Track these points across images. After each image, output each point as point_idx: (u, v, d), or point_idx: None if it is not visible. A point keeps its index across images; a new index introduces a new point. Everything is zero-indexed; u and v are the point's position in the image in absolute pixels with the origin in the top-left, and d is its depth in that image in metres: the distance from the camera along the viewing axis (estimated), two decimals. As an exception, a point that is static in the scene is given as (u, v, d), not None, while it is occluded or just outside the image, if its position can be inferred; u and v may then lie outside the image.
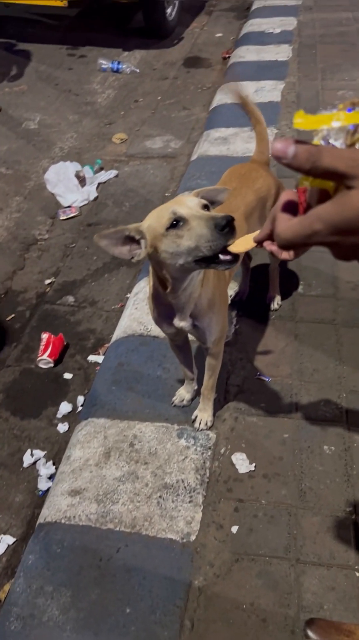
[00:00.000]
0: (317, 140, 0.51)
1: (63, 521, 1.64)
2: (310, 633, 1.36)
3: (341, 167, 0.46)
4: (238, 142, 3.47)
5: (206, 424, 1.85)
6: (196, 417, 1.86)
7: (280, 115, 3.67)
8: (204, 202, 1.27)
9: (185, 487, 1.70)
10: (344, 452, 1.77)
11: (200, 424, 1.85)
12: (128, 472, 1.74)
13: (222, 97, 4.02)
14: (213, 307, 1.55)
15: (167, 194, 3.24)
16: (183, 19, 5.75)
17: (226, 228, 1.14)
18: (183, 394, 1.93)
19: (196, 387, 1.94)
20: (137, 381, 2.02)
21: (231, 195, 1.74)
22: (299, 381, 2.01)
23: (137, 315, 2.29)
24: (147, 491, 1.69)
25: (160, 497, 1.68)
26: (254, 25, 5.29)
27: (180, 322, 1.54)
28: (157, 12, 5.16)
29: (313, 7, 5.58)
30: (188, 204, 1.25)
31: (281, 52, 4.64)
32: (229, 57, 4.88)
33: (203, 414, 1.85)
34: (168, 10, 5.32)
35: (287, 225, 0.53)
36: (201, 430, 1.85)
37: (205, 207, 1.26)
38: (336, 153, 0.47)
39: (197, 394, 1.95)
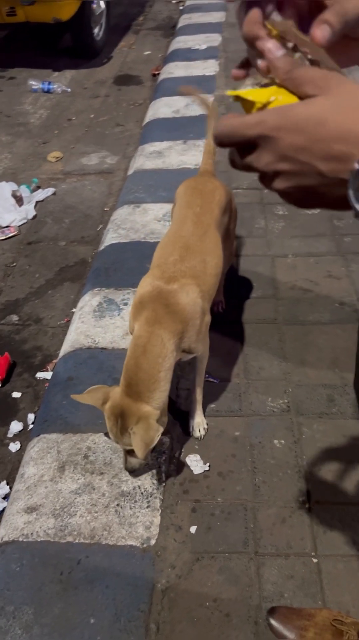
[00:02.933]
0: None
1: (21, 539, 1.61)
2: (273, 621, 1.39)
3: (316, 76, 0.51)
4: (173, 155, 3.54)
5: (205, 429, 1.88)
6: (193, 426, 1.87)
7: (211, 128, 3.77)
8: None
9: (142, 493, 1.71)
10: (294, 444, 1.83)
11: (200, 430, 1.87)
12: (84, 484, 1.74)
13: (154, 112, 4.10)
14: (193, 340, 1.64)
15: (105, 209, 3.27)
16: (110, 39, 5.83)
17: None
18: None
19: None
20: (87, 393, 2.02)
21: (201, 213, 1.81)
22: (246, 380, 2.06)
23: (83, 328, 2.30)
24: (104, 501, 1.69)
25: (117, 505, 1.68)
26: (180, 42, 5.42)
27: None
28: (84, 33, 5.22)
29: (236, 24, 5.75)
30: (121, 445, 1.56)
31: (209, 67, 4.77)
32: (158, 73, 4.98)
33: (199, 419, 1.88)
34: (95, 31, 5.39)
35: (233, 116, 0.55)
36: (203, 436, 1.87)
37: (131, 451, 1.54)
38: (312, 69, 0.53)
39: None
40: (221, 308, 2.35)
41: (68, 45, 5.45)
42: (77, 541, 1.60)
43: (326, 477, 1.73)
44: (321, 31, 0.54)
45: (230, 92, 0.57)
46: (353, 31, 0.58)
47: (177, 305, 1.56)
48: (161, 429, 1.48)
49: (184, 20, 6.02)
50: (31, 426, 2.11)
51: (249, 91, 0.56)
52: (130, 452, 1.57)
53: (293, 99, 0.53)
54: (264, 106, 0.54)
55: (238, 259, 2.63)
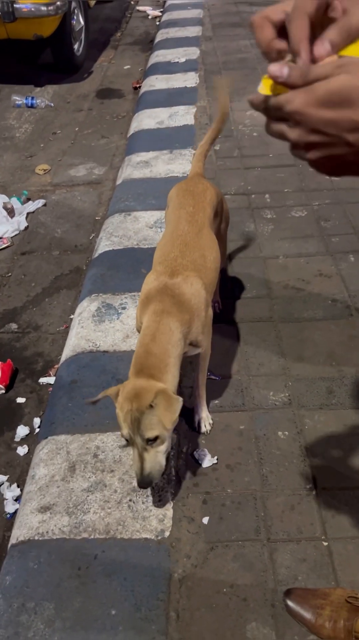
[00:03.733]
0: None
1: (36, 538, 1.64)
2: (289, 602, 1.44)
3: (328, 70, 0.54)
4: (159, 164, 3.61)
5: (210, 424, 1.93)
6: (199, 421, 1.92)
7: (195, 137, 3.85)
8: (152, 434, 1.45)
9: (153, 488, 1.74)
10: (298, 434, 1.89)
11: (206, 425, 1.92)
12: (96, 482, 1.77)
13: (139, 124, 4.18)
14: (197, 333, 1.68)
15: (97, 217, 3.32)
16: (90, 54, 5.92)
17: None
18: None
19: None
20: (92, 395, 2.05)
21: (194, 212, 1.87)
22: (247, 376, 2.12)
23: (83, 333, 2.34)
24: (116, 497, 1.73)
25: (130, 500, 1.72)
26: (159, 56, 5.53)
27: None
28: (65, 48, 5.30)
29: (213, 37, 5.90)
30: (140, 434, 1.45)
31: (189, 79, 4.88)
32: (140, 86, 5.07)
33: (204, 414, 1.92)
34: (76, 46, 5.47)
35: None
36: (209, 430, 1.91)
37: (153, 439, 1.46)
38: (324, 65, 0.55)
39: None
40: (217, 308, 2.41)
41: (49, 60, 5.52)
42: (92, 537, 1.63)
43: (330, 464, 1.79)
44: (323, 48, 0.61)
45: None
46: None
47: (183, 296, 1.62)
48: (181, 400, 1.47)
49: (161, 35, 6.14)
50: (37, 430, 2.13)
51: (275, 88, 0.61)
52: (146, 450, 1.47)
53: None
54: None
55: (230, 262, 2.69)
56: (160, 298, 1.62)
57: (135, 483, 1.75)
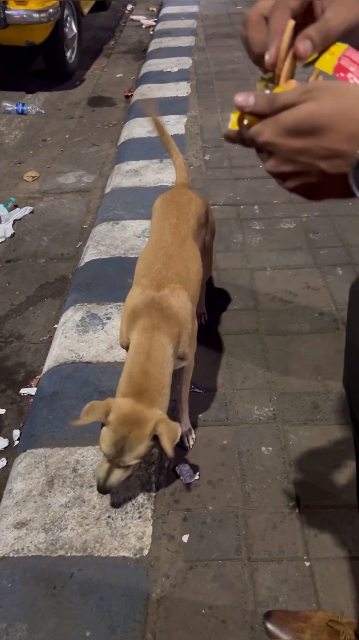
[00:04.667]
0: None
1: (11, 555, 1.59)
2: (269, 625, 1.40)
3: (295, 97, 0.53)
4: (149, 173, 3.59)
5: (193, 438, 1.89)
6: (182, 435, 1.86)
7: (186, 147, 3.84)
8: (131, 460, 1.45)
9: (132, 504, 1.70)
10: (282, 450, 1.85)
11: (188, 440, 1.88)
12: (74, 497, 1.73)
13: (129, 133, 4.16)
14: (184, 347, 1.65)
15: (84, 226, 3.29)
16: (83, 62, 5.91)
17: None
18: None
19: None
20: (74, 407, 2.02)
21: (178, 223, 1.84)
22: (232, 389, 2.08)
23: (67, 343, 2.30)
24: (94, 513, 1.68)
25: (108, 517, 1.67)
26: (152, 65, 5.53)
27: None
28: (57, 56, 5.28)
29: (206, 47, 5.92)
30: (120, 458, 1.44)
31: (181, 89, 4.87)
32: (131, 95, 5.06)
33: (187, 429, 1.88)
34: (68, 54, 5.46)
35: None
36: (192, 445, 1.88)
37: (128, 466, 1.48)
38: (290, 90, 0.55)
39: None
40: (203, 320, 2.38)
41: (41, 67, 5.50)
42: (68, 554, 1.59)
43: (314, 481, 1.76)
44: (303, 45, 0.60)
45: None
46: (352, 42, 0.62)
47: (171, 309, 1.59)
48: (179, 426, 1.48)
49: (154, 44, 6.15)
50: (17, 442, 2.08)
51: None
52: (117, 467, 1.48)
53: None
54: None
55: (217, 273, 2.67)
56: (148, 313, 1.58)
57: (114, 499, 1.71)
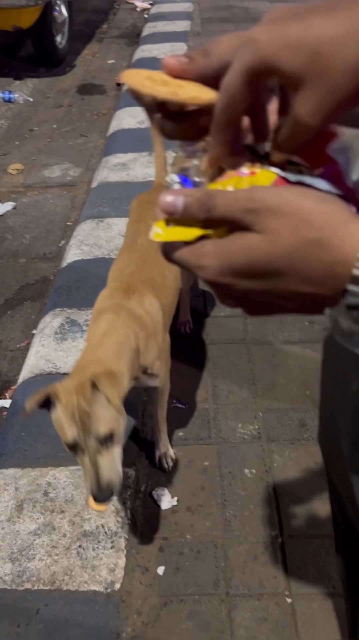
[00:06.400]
0: (170, 177, 0.47)
1: (-26, 588, 1.50)
2: (246, 672, 1.31)
3: (238, 214, 0.41)
4: (138, 167, 3.45)
5: (172, 459, 1.78)
6: (160, 457, 1.77)
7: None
8: (105, 429, 1.22)
9: (105, 533, 1.61)
10: (265, 473, 1.76)
11: (167, 462, 1.77)
12: (44, 524, 1.63)
13: (119, 123, 4.01)
14: (152, 360, 1.50)
15: (68, 223, 3.16)
16: (73, 47, 5.72)
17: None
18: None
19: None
20: (48, 424, 1.88)
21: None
22: (215, 405, 1.98)
23: (44, 352, 2.18)
24: (65, 542, 1.59)
25: (79, 546, 1.57)
26: (145, 51, 5.34)
27: None
28: (46, 41, 5.10)
29: (201, 32, 5.74)
30: (91, 433, 1.22)
31: (174, 77, 4.70)
32: (123, 83, 4.89)
33: (164, 449, 1.78)
34: (58, 39, 5.27)
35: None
36: (171, 467, 1.77)
37: (107, 437, 1.23)
38: (230, 198, 0.41)
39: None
40: (188, 328, 2.27)
41: (30, 53, 5.32)
42: (35, 588, 1.49)
43: (299, 508, 1.66)
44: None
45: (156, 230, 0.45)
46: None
47: (137, 313, 1.48)
48: (126, 372, 1.32)
49: (149, 29, 5.95)
50: (-12, 459, 1.98)
51: (173, 229, 0.44)
52: (100, 453, 1.23)
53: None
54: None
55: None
56: (113, 310, 1.46)
57: (86, 526, 1.61)
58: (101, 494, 1.21)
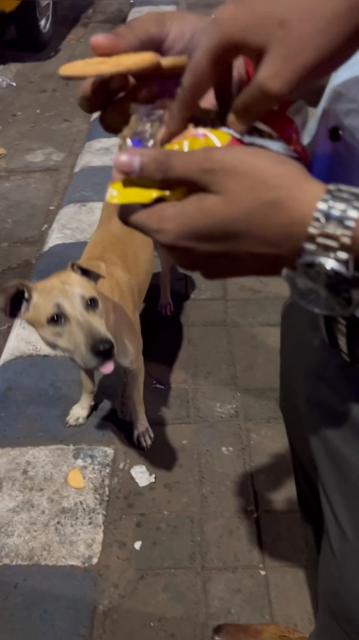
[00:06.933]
0: (123, 140, 0.47)
1: None
2: (219, 640, 1.34)
3: (195, 175, 0.41)
4: (121, 151, 3.45)
5: (151, 438, 1.80)
6: (138, 436, 1.79)
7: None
8: (88, 294, 1.24)
9: (84, 509, 1.63)
10: (242, 451, 1.78)
11: (145, 440, 1.79)
12: (23, 502, 1.65)
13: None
14: (120, 338, 1.49)
15: (51, 207, 3.15)
16: (58, 32, 5.66)
17: (102, 354, 1.17)
18: (78, 412, 1.86)
19: (92, 403, 1.88)
20: (27, 404, 1.93)
21: None
22: (194, 385, 2.00)
23: (24, 335, 2.19)
24: (43, 519, 1.61)
25: (58, 522, 1.60)
26: (130, 36, 5.30)
27: None
28: (30, 25, 5.04)
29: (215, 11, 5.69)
30: (74, 298, 1.22)
31: (159, 62, 4.68)
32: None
33: (142, 428, 1.79)
34: (42, 23, 5.21)
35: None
36: (149, 445, 1.79)
37: (90, 302, 1.24)
38: (187, 158, 0.41)
39: (93, 409, 1.89)
40: (169, 311, 2.29)
41: (13, 37, 5.26)
42: (14, 563, 1.52)
43: (274, 484, 1.69)
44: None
45: (112, 194, 0.44)
46: None
47: (103, 281, 1.43)
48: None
49: (134, 14, 5.90)
50: (-31, 440, 1.99)
51: (129, 191, 0.44)
52: (87, 315, 1.22)
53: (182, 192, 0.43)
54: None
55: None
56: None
57: (64, 503, 1.63)
58: (101, 342, 1.18)
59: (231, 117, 0.45)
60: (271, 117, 0.47)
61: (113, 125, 0.50)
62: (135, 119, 0.49)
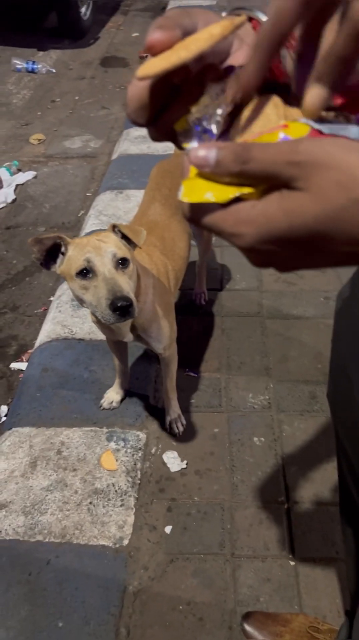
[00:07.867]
0: (182, 125, 0.43)
1: (-12, 538, 1.55)
2: (247, 627, 1.35)
3: (278, 167, 0.36)
4: (158, 140, 3.45)
5: (182, 425, 1.82)
6: (170, 422, 1.81)
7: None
8: (121, 253, 1.26)
9: (116, 491, 1.65)
10: (274, 442, 1.78)
11: (177, 426, 1.80)
12: (56, 481, 1.68)
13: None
14: (156, 319, 1.52)
15: (88, 194, 3.17)
16: (98, 19, 5.68)
17: (119, 310, 1.19)
18: (112, 395, 1.88)
19: (126, 388, 1.90)
20: (62, 386, 1.96)
21: (169, 195, 1.75)
22: (227, 375, 2.00)
23: (60, 318, 2.22)
24: (76, 498, 1.63)
25: (90, 503, 1.62)
26: (170, 25, 5.29)
27: (122, 338, 1.53)
28: (71, 12, 5.07)
29: (227, 8, 5.64)
30: (106, 255, 1.24)
31: (198, 51, 4.66)
32: (147, 56, 4.83)
33: (175, 415, 1.81)
34: (82, 10, 5.24)
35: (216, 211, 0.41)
36: (181, 432, 1.80)
37: (121, 261, 1.26)
38: (271, 150, 0.37)
39: (127, 394, 1.91)
40: (203, 300, 2.29)
41: (54, 24, 5.29)
42: (47, 540, 1.54)
43: (306, 476, 1.69)
44: (316, 96, 0.40)
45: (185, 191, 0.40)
46: None
47: (142, 262, 1.48)
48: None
49: (174, 2, 5.88)
50: (4, 419, 2.03)
51: (203, 189, 0.40)
52: (116, 273, 1.24)
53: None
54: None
55: (221, 250, 2.56)
56: None
57: (97, 484, 1.66)
58: (119, 300, 1.19)
59: (307, 101, 0.40)
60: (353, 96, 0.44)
61: (170, 129, 0.44)
62: (206, 98, 0.44)
